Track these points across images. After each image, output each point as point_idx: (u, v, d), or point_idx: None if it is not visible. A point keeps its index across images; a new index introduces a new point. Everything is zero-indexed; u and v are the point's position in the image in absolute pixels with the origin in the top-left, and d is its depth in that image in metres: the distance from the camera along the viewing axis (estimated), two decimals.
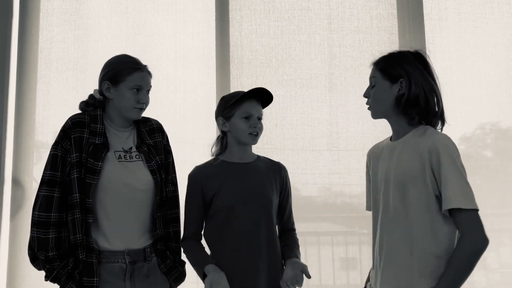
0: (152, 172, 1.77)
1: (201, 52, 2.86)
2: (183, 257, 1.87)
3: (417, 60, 1.58)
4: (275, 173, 1.87)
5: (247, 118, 1.80)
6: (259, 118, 1.83)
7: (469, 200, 1.41)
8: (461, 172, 1.43)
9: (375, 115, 1.64)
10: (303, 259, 1.86)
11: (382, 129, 1.66)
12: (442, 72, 2.78)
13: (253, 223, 1.76)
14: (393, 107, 1.57)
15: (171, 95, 2.81)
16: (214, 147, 1.91)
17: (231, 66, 2.82)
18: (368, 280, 1.71)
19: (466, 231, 1.41)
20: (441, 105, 1.58)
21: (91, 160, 1.68)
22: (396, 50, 1.63)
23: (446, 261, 1.43)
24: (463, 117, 2.73)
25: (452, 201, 1.41)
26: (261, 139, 1.91)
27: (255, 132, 1.80)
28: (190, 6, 2.90)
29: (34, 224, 1.66)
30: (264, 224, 1.77)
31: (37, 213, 1.66)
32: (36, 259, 1.67)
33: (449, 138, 1.48)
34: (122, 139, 1.79)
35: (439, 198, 1.45)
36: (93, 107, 1.80)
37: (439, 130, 1.58)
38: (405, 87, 1.54)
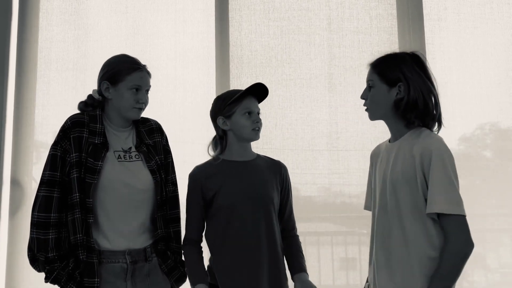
0: (152, 172, 1.76)
1: (200, 52, 2.86)
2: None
3: (414, 62, 1.57)
4: (275, 172, 1.86)
5: (249, 114, 1.80)
6: (259, 113, 1.84)
7: (454, 206, 1.41)
8: (450, 177, 1.42)
9: (373, 117, 1.64)
10: None
11: (382, 129, 1.66)
12: (441, 73, 2.79)
13: (254, 222, 1.76)
14: (391, 110, 1.57)
15: (171, 95, 2.81)
16: (211, 148, 1.89)
17: (230, 66, 2.82)
18: (368, 280, 1.71)
19: (451, 235, 1.42)
20: (438, 108, 1.57)
21: (91, 160, 1.67)
22: (393, 52, 1.62)
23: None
24: (462, 117, 2.73)
25: (435, 205, 1.42)
26: (261, 139, 1.91)
27: (257, 128, 1.81)
28: (190, 6, 2.90)
29: (34, 224, 1.65)
30: (265, 223, 1.77)
31: (36, 213, 1.65)
32: (36, 261, 1.66)
33: (442, 142, 1.48)
34: (121, 139, 1.78)
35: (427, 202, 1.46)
36: (92, 107, 1.79)
37: (435, 133, 1.58)
38: (404, 91, 1.53)
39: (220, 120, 1.84)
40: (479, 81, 2.79)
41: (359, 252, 2.74)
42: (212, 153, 1.89)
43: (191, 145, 2.78)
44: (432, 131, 1.57)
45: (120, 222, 1.70)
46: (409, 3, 2.83)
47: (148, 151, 1.80)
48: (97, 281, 1.63)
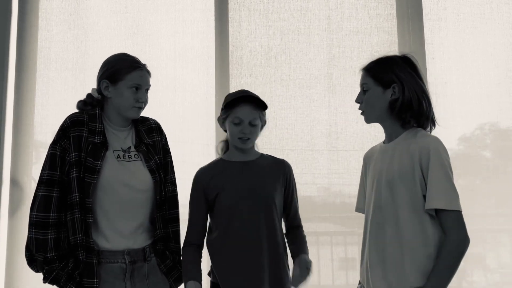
0: (151, 171, 1.76)
1: (200, 52, 2.86)
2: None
3: (406, 64, 1.61)
4: (279, 171, 1.85)
5: (238, 124, 1.77)
6: (252, 124, 1.78)
7: (452, 202, 1.45)
8: (448, 175, 1.47)
9: (368, 120, 1.67)
10: None
11: (381, 129, 1.67)
12: (441, 73, 2.80)
13: (254, 222, 1.75)
14: (387, 111, 1.60)
15: (170, 95, 2.81)
16: (219, 146, 1.91)
17: (230, 66, 2.82)
18: (360, 282, 1.71)
19: (449, 230, 1.45)
20: (431, 107, 1.61)
21: (90, 159, 1.66)
22: (384, 55, 1.66)
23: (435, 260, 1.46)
24: (462, 117, 2.73)
25: (434, 201, 1.45)
26: (261, 139, 1.90)
27: (245, 137, 1.77)
28: (190, 6, 2.90)
29: (32, 224, 1.64)
30: (265, 223, 1.76)
31: (35, 213, 1.64)
32: (34, 261, 1.65)
33: (440, 141, 1.52)
34: (120, 138, 1.78)
35: (426, 198, 1.48)
36: (91, 106, 1.78)
37: (429, 133, 1.62)
38: (398, 92, 1.57)
39: (220, 120, 1.85)
40: (478, 81, 2.79)
41: (359, 252, 2.74)
42: (220, 153, 1.90)
43: (190, 145, 2.78)
44: (426, 131, 1.60)
45: (119, 222, 1.69)
46: (409, 3, 2.83)
47: (147, 150, 1.79)
48: (96, 281, 1.62)
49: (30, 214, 1.66)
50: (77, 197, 1.64)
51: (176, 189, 1.88)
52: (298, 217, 1.91)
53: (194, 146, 2.78)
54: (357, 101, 1.66)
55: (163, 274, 1.78)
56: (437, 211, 1.47)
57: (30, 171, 2.78)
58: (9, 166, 2.78)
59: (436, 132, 1.70)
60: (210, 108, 2.80)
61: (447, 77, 2.78)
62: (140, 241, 1.73)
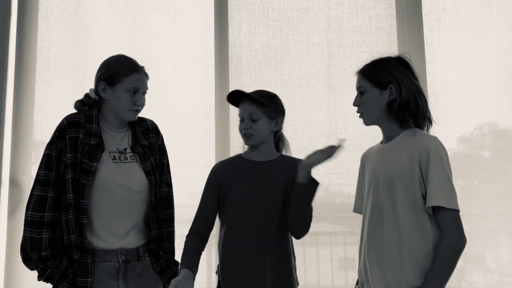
0: (147, 173, 1.76)
1: (200, 52, 2.86)
2: (177, 257, 1.86)
3: (401, 64, 1.62)
4: (291, 173, 1.78)
5: (241, 121, 1.80)
6: (252, 119, 1.77)
7: (451, 201, 1.46)
8: (447, 174, 1.48)
9: (367, 122, 1.67)
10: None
11: (380, 129, 1.68)
12: (440, 73, 2.80)
13: (255, 225, 1.74)
14: (385, 112, 1.61)
15: (170, 95, 2.81)
16: None
17: (230, 66, 2.82)
18: (358, 283, 1.72)
19: (446, 229, 1.46)
20: (428, 106, 1.63)
21: (86, 161, 1.67)
22: (379, 57, 1.67)
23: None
24: (461, 117, 2.73)
25: (435, 199, 1.46)
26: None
27: (247, 133, 1.78)
28: (189, 6, 2.90)
29: (28, 223, 1.65)
30: (266, 226, 1.75)
31: (30, 212, 1.65)
32: (29, 259, 1.65)
33: (439, 141, 1.53)
34: (117, 139, 1.78)
35: (425, 198, 1.49)
36: (88, 107, 1.78)
37: (426, 132, 1.63)
38: (396, 92, 1.58)
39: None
40: (478, 81, 2.79)
41: (358, 252, 2.74)
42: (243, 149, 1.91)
43: (190, 145, 2.78)
44: (423, 131, 1.62)
45: (114, 222, 1.70)
46: (408, 3, 2.83)
47: (143, 152, 1.79)
48: (90, 280, 1.63)
49: (26, 213, 1.66)
50: (71, 198, 1.64)
51: (172, 190, 1.88)
52: None
53: (193, 146, 2.78)
54: (354, 104, 1.67)
55: (157, 274, 1.78)
56: (434, 210, 1.48)
57: (29, 171, 2.78)
58: (8, 165, 2.78)
59: (435, 132, 1.70)
60: (210, 108, 2.80)
61: (446, 77, 2.79)
62: (134, 241, 1.73)
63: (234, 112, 2.74)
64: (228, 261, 1.75)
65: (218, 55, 2.83)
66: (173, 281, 1.56)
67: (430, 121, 1.63)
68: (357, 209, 1.76)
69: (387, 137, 1.64)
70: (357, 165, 1.77)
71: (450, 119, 2.69)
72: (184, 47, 2.86)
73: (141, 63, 1.81)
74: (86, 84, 2.68)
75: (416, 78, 1.62)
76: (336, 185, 2.73)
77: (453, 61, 2.81)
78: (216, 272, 1.84)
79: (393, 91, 1.58)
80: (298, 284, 1.80)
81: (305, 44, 2.85)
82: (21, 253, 1.67)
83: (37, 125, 2.81)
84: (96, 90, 1.78)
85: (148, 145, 1.82)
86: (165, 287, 1.80)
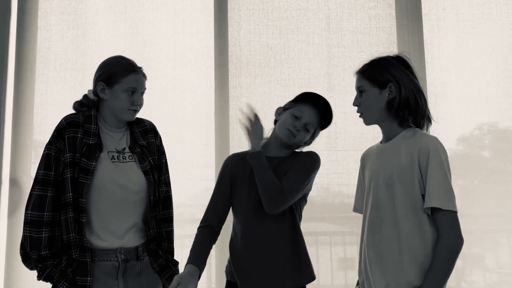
0: (145, 172, 1.77)
1: (199, 52, 2.86)
2: (176, 257, 1.87)
3: (399, 63, 1.62)
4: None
5: (296, 118, 1.80)
6: (306, 127, 1.81)
7: (449, 202, 1.46)
8: (446, 175, 1.48)
9: (368, 122, 1.67)
10: None
11: (380, 129, 1.68)
12: (440, 73, 2.80)
13: (259, 222, 1.74)
14: (385, 111, 1.61)
15: (170, 95, 2.82)
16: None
17: (229, 66, 2.82)
18: (358, 283, 1.72)
19: (443, 230, 1.46)
20: (427, 105, 1.63)
21: (85, 160, 1.68)
22: (377, 57, 1.67)
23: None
24: (461, 117, 2.73)
25: (432, 200, 1.46)
26: None
27: (294, 131, 1.79)
28: (189, 6, 2.90)
29: (27, 223, 1.66)
30: (270, 223, 1.74)
31: (29, 212, 1.66)
32: (28, 259, 1.67)
33: (439, 141, 1.53)
34: (115, 139, 1.79)
35: (424, 198, 1.49)
36: (87, 107, 1.80)
37: (426, 131, 1.63)
38: (395, 91, 1.58)
39: (280, 109, 1.90)
40: (477, 81, 2.79)
41: (358, 252, 2.74)
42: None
43: (190, 145, 2.78)
44: (423, 130, 1.62)
45: (113, 222, 1.71)
46: (408, 3, 2.84)
47: (141, 151, 1.81)
48: (89, 279, 1.64)
49: (25, 213, 1.68)
50: (70, 197, 1.65)
51: (170, 189, 1.89)
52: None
53: (193, 146, 2.78)
54: (354, 104, 1.67)
55: (156, 273, 1.79)
56: (432, 210, 1.48)
57: (29, 171, 2.79)
58: (9, 165, 2.78)
59: (435, 132, 1.70)
60: (210, 108, 2.80)
61: (446, 77, 2.79)
62: (133, 240, 1.74)
63: (234, 112, 2.75)
64: (237, 257, 1.75)
65: (218, 55, 2.83)
66: (176, 277, 1.56)
67: (429, 120, 1.63)
68: (357, 208, 1.76)
69: (387, 137, 1.65)
70: (357, 165, 1.77)
71: (450, 119, 2.69)
72: (183, 47, 2.86)
73: (140, 63, 1.82)
74: (85, 84, 2.68)
75: (415, 77, 1.62)
76: (336, 185, 2.74)
77: (453, 61, 2.81)
78: (225, 273, 1.84)
79: (392, 90, 1.58)
80: (303, 276, 1.79)
81: (305, 44, 2.85)
82: (20, 252, 1.68)
83: (37, 125, 2.81)
84: (94, 90, 1.79)
85: (147, 145, 1.83)
86: (164, 286, 1.81)
